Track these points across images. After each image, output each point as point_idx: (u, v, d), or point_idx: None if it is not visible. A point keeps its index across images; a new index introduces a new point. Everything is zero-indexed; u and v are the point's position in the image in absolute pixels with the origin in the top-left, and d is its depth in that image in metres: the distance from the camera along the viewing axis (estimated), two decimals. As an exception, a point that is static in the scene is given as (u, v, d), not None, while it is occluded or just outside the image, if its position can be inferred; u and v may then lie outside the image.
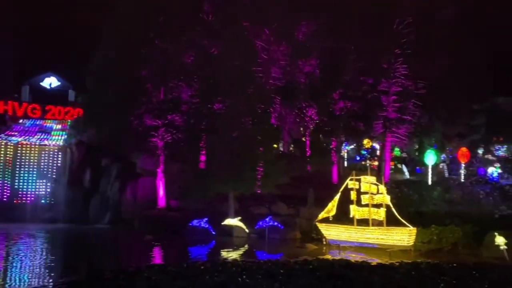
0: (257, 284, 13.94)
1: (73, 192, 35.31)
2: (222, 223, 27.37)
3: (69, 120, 39.45)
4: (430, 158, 36.02)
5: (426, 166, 36.68)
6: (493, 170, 37.89)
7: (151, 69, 31.15)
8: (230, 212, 28.14)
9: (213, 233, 27.10)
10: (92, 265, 19.43)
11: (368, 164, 38.73)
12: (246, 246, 25.52)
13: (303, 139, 38.28)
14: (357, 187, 24.64)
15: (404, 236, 22.59)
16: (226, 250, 23.89)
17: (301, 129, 39.33)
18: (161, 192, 32.40)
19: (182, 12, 31.16)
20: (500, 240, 20.98)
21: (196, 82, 32.04)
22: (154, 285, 13.07)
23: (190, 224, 27.35)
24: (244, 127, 28.55)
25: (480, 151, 45.89)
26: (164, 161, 32.36)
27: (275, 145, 38.13)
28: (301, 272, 15.69)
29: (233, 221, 27.30)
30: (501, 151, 43.34)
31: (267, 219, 26.68)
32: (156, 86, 31.94)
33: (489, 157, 43.70)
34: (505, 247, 20.83)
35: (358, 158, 47.76)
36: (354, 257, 21.46)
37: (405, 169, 40.22)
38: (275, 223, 26.50)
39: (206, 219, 27.24)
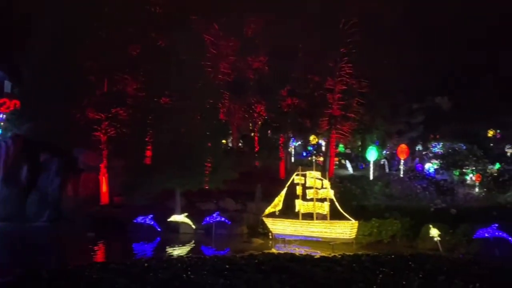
0: (202, 280, 13.86)
1: (8, 188, 33.20)
2: (168, 220, 26.89)
3: (4, 113, 37.05)
4: (372, 154, 37.52)
5: (368, 162, 38.14)
6: (430, 166, 40.04)
7: (94, 60, 29.94)
8: (177, 209, 27.72)
9: (159, 230, 26.58)
10: (28, 265, 18.42)
11: (314, 160, 39.62)
12: (193, 242, 25.29)
13: (252, 134, 38.51)
14: (302, 182, 25.15)
15: (346, 229, 23.36)
16: (171, 246, 23.56)
17: (250, 124, 39.54)
18: (104, 188, 31.31)
19: (129, 3, 30.21)
20: (434, 232, 22.23)
21: (142, 76, 31.22)
22: (95, 284, 12.61)
23: (135, 221, 26.64)
24: (192, 122, 28.22)
25: (419, 148, 48.47)
26: (107, 156, 31.26)
27: (223, 141, 38.12)
28: (246, 267, 15.77)
29: (179, 218, 26.92)
30: (438, 148, 45.89)
31: (215, 214, 26.51)
32: (99, 78, 30.76)
33: (427, 153, 46.18)
34: (439, 238, 22.13)
35: (304, 154, 48.85)
36: (299, 250, 21.95)
37: (349, 164, 41.56)
38: (223, 219, 26.41)
39: (151, 215, 26.62)
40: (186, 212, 27.18)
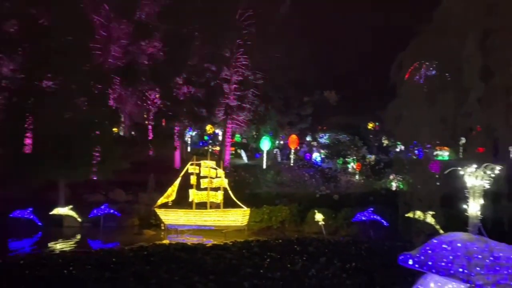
0: (86, 275, 13.14)
1: None
2: (51, 213, 24.89)
3: None
4: (266, 144, 38.81)
5: (262, 151, 39.39)
6: (317, 155, 42.65)
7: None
8: (60, 201, 25.76)
9: (40, 224, 24.46)
10: None
11: (210, 149, 39.75)
12: (78, 236, 23.79)
13: (146, 123, 37.22)
14: (197, 171, 25.11)
15: (238, 217, 23.94)
16: (54, 241, 21.90)
17: (144, 112, 38.17)
18: (-26, 180, 27.78)
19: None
20: (319, 217, 23.78)
21: (21, 56, 28.11)
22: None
23: (11, 215, 24.15)
24: (78, 108, 26.24)
25: (308, 138, 51.38)
26: (-22, 145, 27.72)
27: (114, 129, 36.24)
28: (135, 259, 15.33)
29: (63, 210, 25.06)
30: (324, 138, 49.06)
31: (103, 206, 25.17)
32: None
33: (315, 143, 49.15)
34: (323, 222, 23.73)
35: (201, 143, 48.76)
36: (191, 240, 21.92)
37: (244, 154, 42.46)
38: (111, 211, 25.20)
39: (30, 209, 24.35)
40: (71, 205, 25.40)
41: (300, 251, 17.04)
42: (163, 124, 37.11)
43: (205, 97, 35.13)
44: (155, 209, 24.93)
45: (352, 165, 38.38)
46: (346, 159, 39.34)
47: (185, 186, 25.37)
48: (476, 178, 6.96)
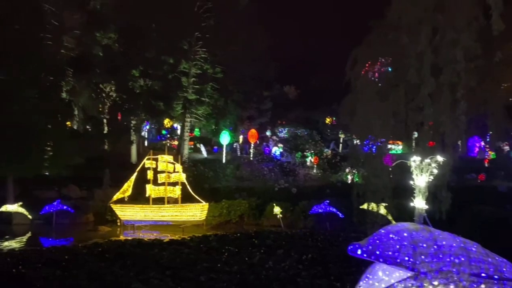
0: (36, 274, 12.66)
1: None
2: (-1, 210, 23.77)
3: None
4: (225, 138, 38.72)
5: (222, 145, 39.27)
6: (276, 149, 43.01)
7: None
8: (9, 198, 24.64)
9: (-14, 222, 23.30)
10: None
11: (168, 144, 39.18)
12: (29, 233, 22.89)
13: (101, 116, 36.10)
14: (154, 166, 24.68)
15: (196, 212, 23.78)
16: (2, 240, 20.90)
17: (99, 106, 37.00)
18: None
19: None
20: (277, 210, 24.05)
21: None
22: None
23: (-47, 214, 22.90)
24: (28, 100, 25.05)
25: (268, 133, 51.72)
26: None
27: (68, 123, 34.93)
28: (88, 256, 14.92)
29: (12, 207, 23.96)
30: (283, 133, 49.56)
31: (55, 203, 24.28)
32: None
33: (274, 138, 49.53)
34: (281, 215, 24.03)
35: (158, 137, 47.95)
36: (148, 235, 21.59)
37: (203, 148, 42.16)
38: (65, 207, 24.35)
39: (-25, 206, 23.18)
40: (20, 201, 24.32)
41: (258, 244, 17.19)
42: (119, 117, 36.16)
43: (162, 90, 34.47)
44: (111, 205, 24.32)
45: (310, 159, 38.99)
46: (305, 153, 39.92)
47: (142, 181, 24.90)
48: (421, 171, 7.27)
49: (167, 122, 47.03)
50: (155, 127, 48.39)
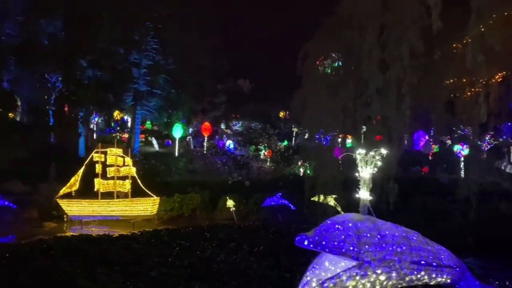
0: (-28, 274, 11.93)
1: None
2: None
3: None
4: (178, 131, 38.19)
5: (174, 139, 38.71)
6: (230, 143, 43.01)
7: None
8: None
9: None
10: None
11: (118, 137, 38.11)
12: (-34, 231, 21.49)
13: (46, 107, 34.47)
14: (102, 159, 23.89)
15: (147, 206, 23.30)
16: None
17: (44, 96, 35.30)
18: None
19: None
20: (230, 203, 24.02)
21: None
22: None
23: None
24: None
25: (222, 126, 51.60)
26: None
27: (10, 114, 33.11)
28: (32, 254, 14.24)
29: None
30: (237, 126, 49.59)
31: (-4, 198, 22.99)
32: None
33: (228, 131, 49.51)
34: (234, 208, 24.04)
35: (108, 130, 46.54)
36: (97, 231, 20.92)
37: (155, 141, 41.41)
38: (6, 203, 23.07)
39: None
40: (-45, 198, 22.81)
41: (210, 238, 17.09)
42: (66, 109, 34.70)
43: (112, 82, 33.39)
44: (57, 200, 23.31)
45: (264, 152, 39.31)
46: (258, 146, 40.19)
47: (90, 175, 24.05)
48: (366, 163, 7.52)
49: (117, 114, 45.71)
50: (105, 119, 46.88)
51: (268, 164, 37.33)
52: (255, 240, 16.75)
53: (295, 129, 47.89)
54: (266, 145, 39.43)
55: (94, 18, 31.52)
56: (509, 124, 37.97)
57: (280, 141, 42.72)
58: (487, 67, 13.42)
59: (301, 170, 33.33)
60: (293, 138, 47.90)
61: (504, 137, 39.22)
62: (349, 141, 38.10)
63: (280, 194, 24.46)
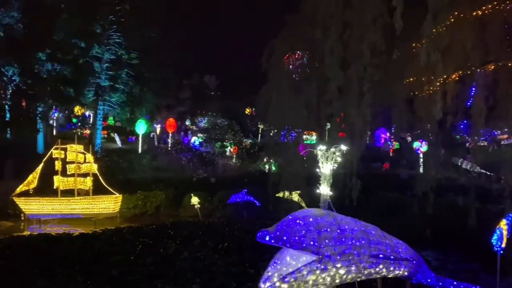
0: None
1: None
2: None
3: None
4: (141, 127, 37.49)
5: (138, 135, 37.99)
6: (195, 139, 42.67)
7: None
8: None
9: None
10: None
11: (79, 133, 37.03)
12: None
13: (2, 102, 33.02)
14: (62, 156, 23.16)
15: (109, 204, 22.80)
16: None
17: (0, 91, 33.81)
18: None
19: None
20: (195, 200, 23.77)
21: None
22: None
23: None
24: None
25: (187, 122, 51.08)
26: None
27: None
28: (-15, 254, 13.65)
29: None
30: (203, 122, 49.24)
31: None
32: None
33: (193, 127, 49.10)
34: (199, 206, 23.83)
35: (68, 126, 45.15)
36: (56, 230, 20.33)
37: (117, 138, 40.49)
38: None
39: None
40: None
41: (174, 236, 16.94)
42: (23, 104, 33.36)
43: (72, 76, 32.34)
44: (14, 198, 22.42)
45: (229, 149, 39.22)
46: (224, 143, 40.08)
47: (49, 173, 23.26)
48: (326, 159, 7.65)
49: (78, 109, 44.39)
50: (65, 115, 45.41)
51: (233, 160, 37.29)
52: (220, 237, 16.73)
53: (261, 126, 48.05)
54: (232, 141, 39.38)
55: (53, 9, 30.42)
56: (465, 122, 39.57)
57: (246, 138, 42.82)
58: (443, 67, 13.90)
59: (267, 166, 33.51)
60: (259, 135, 48.06)
61: (461, 134, 40.83)
62: (313, 137, 38.67)
63: (246, 190, 24.43)
